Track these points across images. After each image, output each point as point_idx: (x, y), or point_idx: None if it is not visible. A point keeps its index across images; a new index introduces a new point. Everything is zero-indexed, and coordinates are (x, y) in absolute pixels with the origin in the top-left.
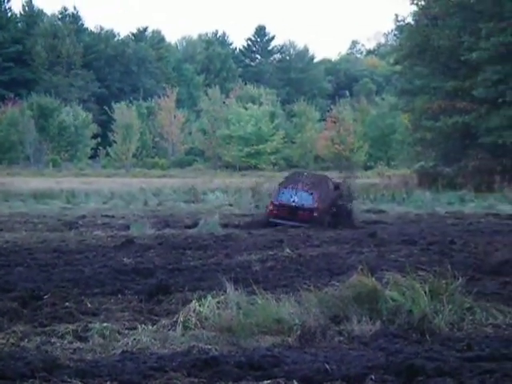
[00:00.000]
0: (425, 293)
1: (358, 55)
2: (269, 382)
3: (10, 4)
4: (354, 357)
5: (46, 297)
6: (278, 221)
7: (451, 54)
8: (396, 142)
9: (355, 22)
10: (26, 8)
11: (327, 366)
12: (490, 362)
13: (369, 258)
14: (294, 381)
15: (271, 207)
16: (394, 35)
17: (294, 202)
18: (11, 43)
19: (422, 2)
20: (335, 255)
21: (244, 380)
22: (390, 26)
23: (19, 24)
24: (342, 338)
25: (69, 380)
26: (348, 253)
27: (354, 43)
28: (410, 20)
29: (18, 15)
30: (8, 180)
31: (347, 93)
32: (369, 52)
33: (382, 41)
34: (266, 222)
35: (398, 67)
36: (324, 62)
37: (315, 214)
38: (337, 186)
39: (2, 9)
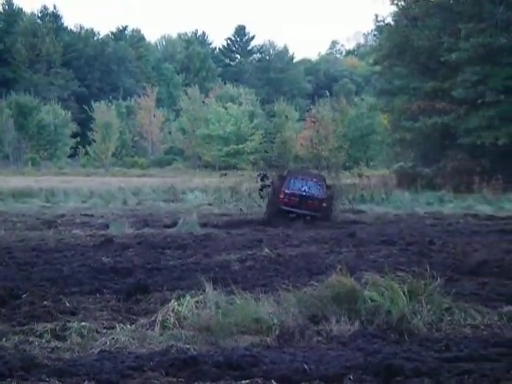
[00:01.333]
0: (403, 293)
1: (338, 55)
2: (247, 381)
3: None
4: (332, 357)
5: (24, 296)
6: (289, 208)
7: (431, 55)
8: (375, 142)
9: (335, 22)
10: (6, 7)
11: (306, 366)
12: (469, 363)
13: (348, 258)
14: (273, 380)
15: (282, 196)
16: (374, 35)
17: (304, 191)
18: None
19: (402, 3)
20: (314, 255)
21: (222, 380)
22: (369, 26)
23: None
24: (320, 338)
25: (47, 379)
26: (327, 253)
27: (334, 43)
28: (389, 20)
29: None
30: None
31: (327, 93)
32: (348, 52)
33: (362, 41)
34: (277, 211)
35: (377, 67)
36: (304, 61)
37: (324, 204)
38: (328, 186)
39: None
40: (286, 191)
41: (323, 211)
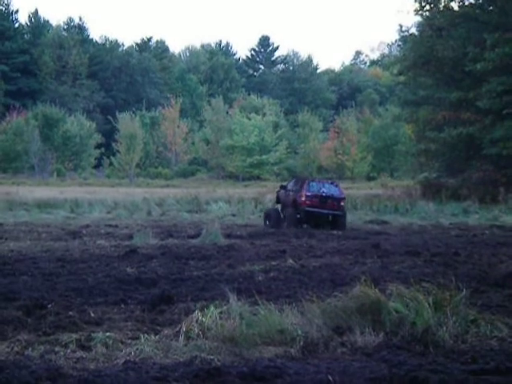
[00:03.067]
0: (428, 305)
1: (362, 66)
2: None
3: (17, 15)
4: (356, 368)
5: (49, 306)
6: (312, 209)
7: (455, 65)
8: (399, 152)
9: (359, 32)
10: (32, 19)
11: (330, 378)
12: (495, 376)
13: (372, 269)
14: None
15: (303, 198)
16: (398, 46)
17: (323, 192)
18: (18, 53)
19: (427, 13)
20: (338, 266)
21: None
22: (393, 36)
23: (26, 35)
24: (344, 350)
25: None
26: (351, 264)
27: (358, 54)
28: (414, 31)
29: (25, 26)
30: (13, 189)
31: (351, 103)
32: (372, 62)
33: (386, 51)
34: (302, 212)
35: (401, 78)
36: (327, 72)
37: (342, 204)
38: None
39: (10, 20)
40: (308, 193)
41: (342, 210)
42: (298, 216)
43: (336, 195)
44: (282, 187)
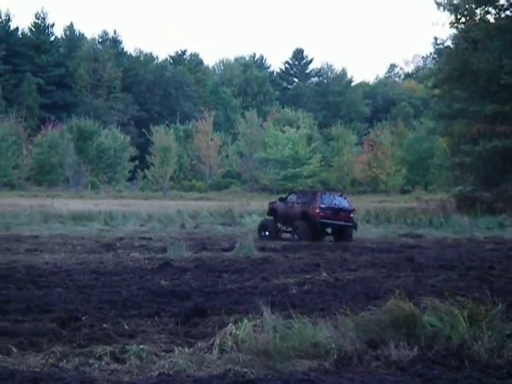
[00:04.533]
0: (464, 319)
1: (396, 79)
2: None
3: (52, 29)
4: (391, 382)
5: (84, 318)
6: (326, 221)
7: (491, 78)
8: (434, 166)
9: (393, 45)
10: (68, 32)
11: None
12: None
13: (406, 283)
14: None
15: (317, 210)
16: (433, 58)
17: (335, 204)
18: (54, 67)
19: (462, 26)
20: (372, 279)
21: None
22: (428, 49)
23: (61, 48)
24: (378, 363)
25: None
26: (385, 277)
27: (392, 66)
28: (449, 43)
29: (60, 39)
30: (48, 202)
31: (388, 116)
32: (407, 75)
33: (421, 64)
34: (317, 224)
35: (436, 91)
36: (362, 85)
37: (352, 215)
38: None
39: (46, 33)
40: (322, 206)
41: (352, 221)
42: (312, 228)
43: (346, 207)
44: (282, 200)
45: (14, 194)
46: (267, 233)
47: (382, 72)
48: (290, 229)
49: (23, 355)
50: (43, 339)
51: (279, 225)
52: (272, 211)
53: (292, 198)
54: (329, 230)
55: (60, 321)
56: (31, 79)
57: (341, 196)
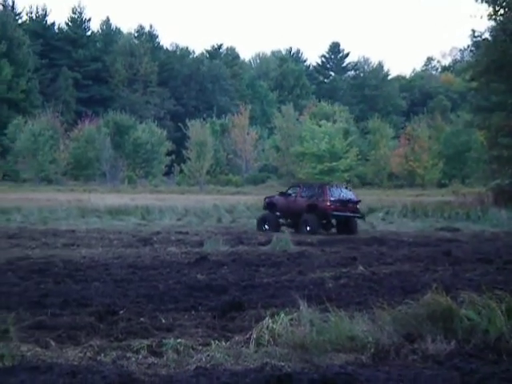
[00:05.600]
0: (501, 312)
1: (433, 72)
2: None
3: (89, 23)
4: (428, 376)
5: (121, 312)
6: (337, 213)
7: None
8: (471, 159)
9: (431, 38)
10: (104, 27)
11: None
12: None
13: (443, 277)
14: None
15: (328, 203)
16: (471, 51)
17: (343, 196)
18: (90, 61)
19: (501, 18)
20: (409, 273)
21: None
22: (466, 41)
23: (98, 43)
24: (415, 357)
25: None
26: (422, 271)
27: (429, 60)
28: (487, 36)
29: (97, 34)
30: (85, 196)
31: (425, 110)
32: (444, 68)
33: (458, 57)
34: (329, 216)
35: (474, 83)
36: (398, 78)
37: (358, 206)
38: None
39: (82, 28)
40: (332, 198)
41: (358, 212)
42: (324, 221)
43: (353, 199)
44: (282, 194)
45: (51, 188)
46: (267, 226)
47: (419, 65)
48: (288, 221)
49: (61, 348)
50: (81, 333)
51: (281, 219)
52: (270, 205)
53: (294, 191)
54: (333, 222)
55: (98, 314)
56: (68, 74)
57: (346, 188)
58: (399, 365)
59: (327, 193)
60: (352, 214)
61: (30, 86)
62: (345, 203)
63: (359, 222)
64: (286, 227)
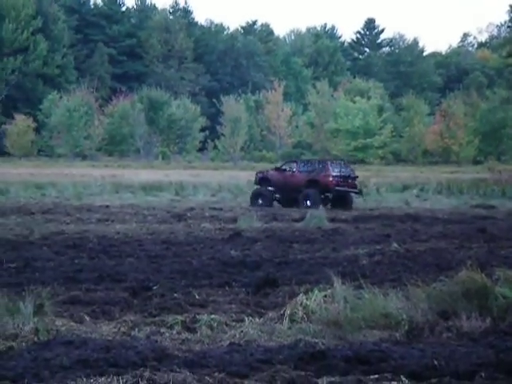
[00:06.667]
0: None
1: (470, 48)
2: (376, 376)
3: None
4: (462, 353)
5: (155, 287)
6: (340, 188)
7: None
8: (507, 136)
9: (467, 13)
10: (139, 2)
11: (436, 362)
12: None
13: (478, 254)
14: (402, 376)
15: (330, 179)
16: (508, 27)
17: (342, 172)
18: (125, 37)
19: None
20: (444, 250)
21: (351, 374)
22: (503, 17)
23: (132, 18)
24: (450, 334)
25: (178, 370)
26: (457, 248)
27: (466, 36)
28: None
29: (132, 10)
30: (119, 172)
31: (461, 86)
32: (480, 45)
33: (495, 33)
34: (332, 191)
35: (510, 60)
36: (434, 54)
37: (356, 182)
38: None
39: (117, 3)
40: (333, 174)
41: (356, 188)
42: (326, 195)
43: (351, 175)
44: (277, 169)
45: (85, 164)
46: (261, 201)
47: (454, 41)
48: (279, 196)
49: (96, 323)
50: (115, 308)
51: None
52: (263, 180)
53: (290, 167)
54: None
55: (132, 290)
56: (103, 49)
57: (345, 164)
58: (433, 342)
59: (329, 168)
60: (351, 190)
61: (65, 62)
62: (345, 179)
63: (398, 200)
64: (277, 202)
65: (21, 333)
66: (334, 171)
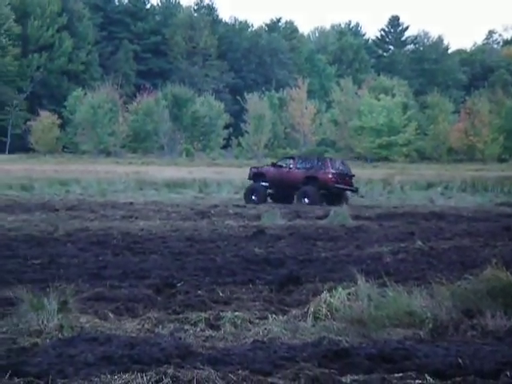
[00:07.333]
0: None
1: (495, 45)
2: (400, 375)
3: None
4: (487, 352)
5: (179, 285)
6: (339, 186)
7: None
8: None
9: (492, 11)
10: (163, 0)
11: (460, 361)
12: None
13: (503, 252)
14: (426, 374)
15: (330, 176)
16: None
17: (341, 170)
18: (150, 34)
19: None
20: (468, 248)
21: (375, 372)
22: None
23: (157, 16)
24: (475, 333)
25: (201, 367)
26: (481, 246)
27: (491, 33)
28: None
29: (156, 7)
30: (143, 169)
31: (486, 84)
32: (506, 42)
33: None
34: (331, 188)
35: None
36: (459, 52)
37: (352, 180)
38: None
39: (142, 1)
40: (333, 171)
41: (353, 185)
42: (323, 192)
43: (348, 172)
44: (273, 165)
45: (109, 160)
46: (255, 197)
47: (480, 39)
48: (273, 192)
49: (120, 320)
50: (139, 305)
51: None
52: (257, 176)
53: (286, 163)
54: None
55: (155, 287)
56: (128, 46)
57: (342, 162)
58: (458, 340)
59: (328, 165)
60: (348, 187)
61: (89, 59)
62: (343, 176)
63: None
64: (270, 198)
65: (45, 329)
66: (334, 168)
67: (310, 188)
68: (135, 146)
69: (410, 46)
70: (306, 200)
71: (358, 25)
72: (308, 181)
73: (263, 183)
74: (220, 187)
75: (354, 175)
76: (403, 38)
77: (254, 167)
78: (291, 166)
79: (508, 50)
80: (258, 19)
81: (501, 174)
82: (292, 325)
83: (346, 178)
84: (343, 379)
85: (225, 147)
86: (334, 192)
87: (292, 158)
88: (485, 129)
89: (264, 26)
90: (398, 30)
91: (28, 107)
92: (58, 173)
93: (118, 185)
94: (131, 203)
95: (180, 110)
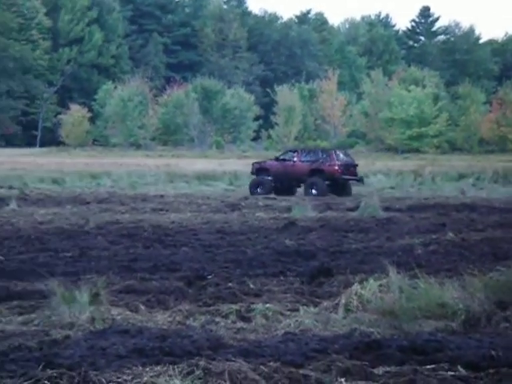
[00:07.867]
0: None
1: None
2: (432, 366)
3: None
4: None
5: (210, 277)
6: (346, 177)
7: None
8: None
9: None
10: None
11: (493, 352)
12: None
13: None
14: (459, 366)
15: (337, 167)
16: None
17: (345, 160)
18: (179, 26)
19: None
20: (500, 240)
21: (407, 364)
22: None
23: (186, 8)
24: (508, 325)
25: (232, 359)
26: None
27: None
28: None
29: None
30: (173, 161)
31: None
32: None
33: None
34: (338, 179)
35: None
36: (490, 42)
37: (356, 171)
38: None
39: None
40: (338, 162)
41: (357, 175)
42: (328, 184)
43: (352, 163)
44: (277, 158)
45: (139, 153)
46: (260, 190)
47: (511, 29)
48: (275, 185)
49: (151, 312)
50: (170, 297)
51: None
52: (260, 171)
53: (289, 156)
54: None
55: (186, 279)
56: (157, 39)
57: (346, 153)
58: (490, 332)
59: (334, 157)
60: (353, 178)
61: (119, 52)
62: (348, 167)
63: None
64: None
65: (77, 321)
66: (339, 159)
67: (317, 179)
68: (165, 138)
69: (441, 37)
70: (314, 191)
71: (388, 16)
72: (314, 173)
73: (268, 177)
74: (250, 179)
75: (357, 165)
76: (434, 29)
77: (257, 162)
78: (295, 159)
79: None
80: (287, 11)
81: None
82: (323, 317)
83: (350, 168)
84: (375, 371)
85: (255, 139)
86: (340, 182)
87: (295, 150)
88: None
89: (294, 17)
90: (428, 21)
91: (58, 101)
92: (89, 166)
93: (149, 177)
94: (162, 196)
95: (210, 102)
